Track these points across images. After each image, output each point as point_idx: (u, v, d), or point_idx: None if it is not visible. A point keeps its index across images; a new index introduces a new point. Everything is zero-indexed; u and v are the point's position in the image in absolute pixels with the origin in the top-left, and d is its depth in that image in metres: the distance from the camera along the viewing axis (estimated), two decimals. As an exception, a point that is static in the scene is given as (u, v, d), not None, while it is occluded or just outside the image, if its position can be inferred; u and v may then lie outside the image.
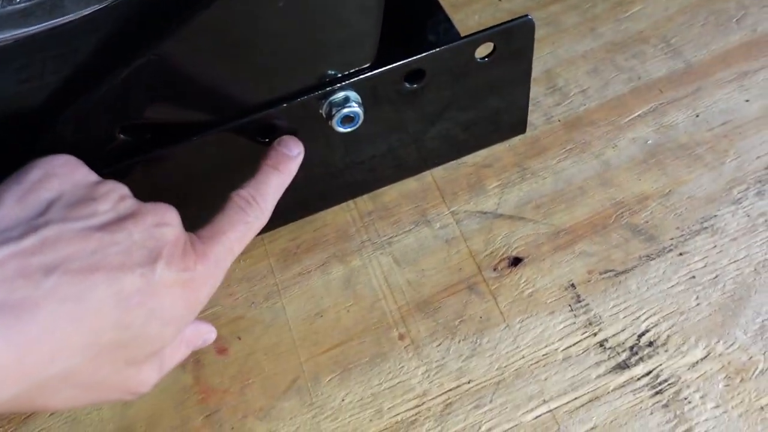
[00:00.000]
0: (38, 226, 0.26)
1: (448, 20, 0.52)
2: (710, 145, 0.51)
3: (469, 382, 0.43)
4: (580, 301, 0.45)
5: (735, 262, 0.46)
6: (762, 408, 0.40)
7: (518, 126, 0.53)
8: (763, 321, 0.43)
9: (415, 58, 0.42)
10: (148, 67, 0.37)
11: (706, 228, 0.47)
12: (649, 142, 0.52)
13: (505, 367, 0.44)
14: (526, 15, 0.43)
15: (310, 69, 0.41)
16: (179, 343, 0.34)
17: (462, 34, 0.50)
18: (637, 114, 0.53)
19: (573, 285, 0.46)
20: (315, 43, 0.39)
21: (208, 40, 0.37)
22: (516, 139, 0.54)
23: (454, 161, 0.53)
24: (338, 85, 0.41)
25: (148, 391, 0.32)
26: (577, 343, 0.44)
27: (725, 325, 0.43)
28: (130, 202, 0.30)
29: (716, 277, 0.45)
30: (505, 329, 0.45)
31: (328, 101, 0.42)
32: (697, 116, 0.53)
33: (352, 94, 0.42)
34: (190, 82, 0.39)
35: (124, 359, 0.28)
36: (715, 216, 0.48)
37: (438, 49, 0.42)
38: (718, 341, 0.43)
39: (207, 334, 0.37)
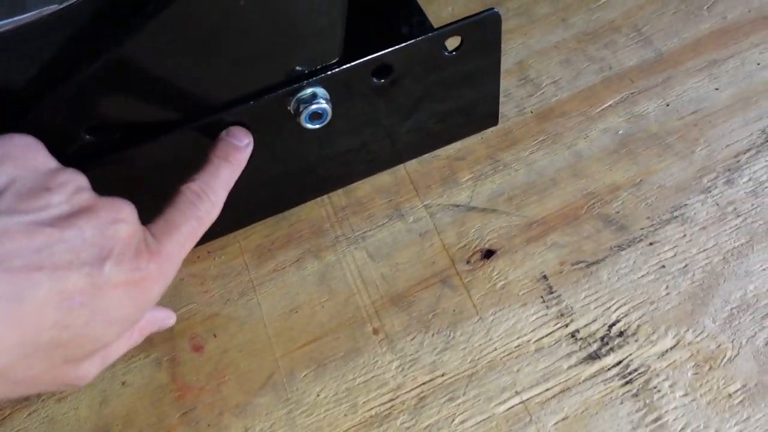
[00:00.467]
0: None
1: (421, 12, 0.52)
2: (680, 134, 0.51)
3: (442, 375, 0.44)
4: (552, 293, 0.46)
5: (704, 251, 0.46)
6: (730, 395, 0.41)
7: (490, 118, 0.53)
8: (731, 309, 0.44)
9: (381, 53, 0.42)
10: (111, 67, 0.37)
11: (676, 217, 0.48)
12: (620, 132, 0.52)
13: (478, 359, 0.44)
14: (493, 8, 0.43)
15: (275, 66, 0.41)
16: (129, 332, 0.33)
17: (436, 26, 0.50)
18: (608, 104, 0.54)
19: (545, 276, 0.46)
20: (279, 40, 0.39)
21: (170, 39, 0.37)
22: (489, 131, 0.54)
23: (428, 154, 0.53)
24: (305, 81, 0.41)
25: (87, 383, 0.31)
26: (549, 334, 0.44)
27: (694, 314, 0.44)
28: (86, 196, 0.29)
29: (686, 266, 0.46)
30: (478, 322, 0.45)
31: (295, 98, 0.42)
32: (668, 105, 0.53)
33: (320, 91, 0.42)
34: (154, 81, 0.38)
35: (61, 357, 0.27)
36: (685, 205, 0.48)
37: (404, 45, 0.42)
38: (688, 330, 0.43)
39: (163, 320, 0.36)
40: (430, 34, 0.42)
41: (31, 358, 0.26)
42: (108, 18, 0.37)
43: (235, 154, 0.37)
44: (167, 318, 0.36)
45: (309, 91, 0.41)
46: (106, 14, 0.36)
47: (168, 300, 0.48)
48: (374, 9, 0.53)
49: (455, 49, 0.45)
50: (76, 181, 0.29)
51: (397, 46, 0.42)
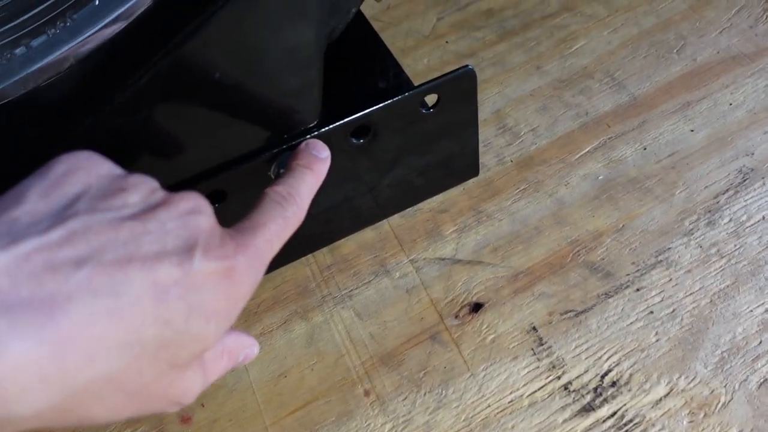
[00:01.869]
0: (66, 218, 0.25)
1: (397, 65, 0.53)
2: (659, 178, 0.52)
3: (436, 436, 0.43)
4: (542, 344, 0.45)
5: (691, 294, 0.46)
6: (727, 442, 0.40)
7: (471, 169, 0.53)
8: (722, 353, 0.44)
9: (358, 115, 0.42)
10: (95, 131, 0.36)
11: (661, 261, 0.48)
12: (600, 177, 0.53)
13: (471, 417, 0.43)
14: (467, 65, 0.44)
15: (254, 133, 0.41)
16: (221, 352, 0.31)
17: (412, 78, 0.50)
18: (586, 150, 0.54)
19: (534, 328, 0.46)
20: (256, 109, 0.39)
21: (148, 110, 0.37)
22: (470, 182, 0.54)
23: (411, 208, 0.53)
24: (284, 146, 0.41)
25: (191, 402, 0.29)
26: (541, 387, 0.44)
27: (686, 360, 0.44)
28: (161, 193, 0.28)
29: (674, 311, 0.46)
30: (470, 378, 0.45)
31: (276, 162, 0.42)
32: (645, 149, 0.54)
33: (300, 155, 0.42)
34: (133, 149, 0.38)
35: (167, 361, 0.26)
36: (669, 249, 0.48)
37: (381, 105, 0.42)
38: (680, 376, 0.43)
39: (250, 347, 0.34)
40: (406, 94, 0.43)
41: (138, 360, 0.25)
42: (90, 87, 0.37)
43: (316, 163, 0.37)
44: (252, 345, 0.34)
45: (288, 155, 0.41)
46: (88, 83, 0.36)
47: (153, 370, 0.47)
48: (351, 63, 0.53)
49: (433, 106, 0.45)
50: (147, 181, 0.29)
51: (374, 108, 0.42)
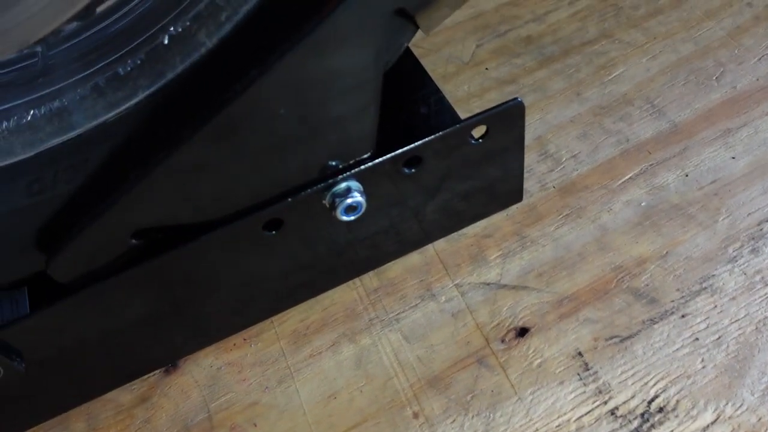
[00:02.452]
0: None
1: (438, 92, 0.54)
2: (702, 204, 0.53)
3: (485, 459, 0.44)
4: (588, 369, 0.46)
5: (736, 321, 0.47)
6: (775, 469, 0.41)
7: (515, 194, 0.54)
8: (768, 380, 0.44)
9: (411, 147, 0.43)
10: (162, 176, 0.38)
11: (705, 288, 0.48)
12: (643, 204, 0.53)
13: (520, 441, 0.44)
14: (516, 98, 0.45)
15: (312, 164, 0.42)
16: None
17: (452, 104, 0.51)
18: (628, 176, 0.55)
19: (580, 353, 0.47)
20: (315, 141, 0.40)
21: (216, 146, 0.38)
22: (513, 208, 0.55)
23: (455, 233, 0.54)
24: (340, 176, 0.43)
25: None
26: (588, 412, 0.45)
27: (732, 387, 0.44)
28: None
29: (719, 338, 0.46)
30: (517, 402, 0.46)
31: (330, 192, 0.43)
32: (687, 176, 0.54)
33: (354, 184, 0.43)
34: (200, 185, 0.40)
35: None
36: (713, 275, 0.49)
37: (433, 137, 0.44)
38: (727, 404, 0.44)
39: None
40: (458, 126, 0.44)
41: None
42: (156, 127, 0.39)
43: None
44: None
45: (344, 185, 0.43)
46: (154, 124, 0.38)
47: (207, 390, 0.49)
48: (393, 89, 0.54)
49: (481, 137, 0.46)
50: None
51: (426, 139, 0.44)
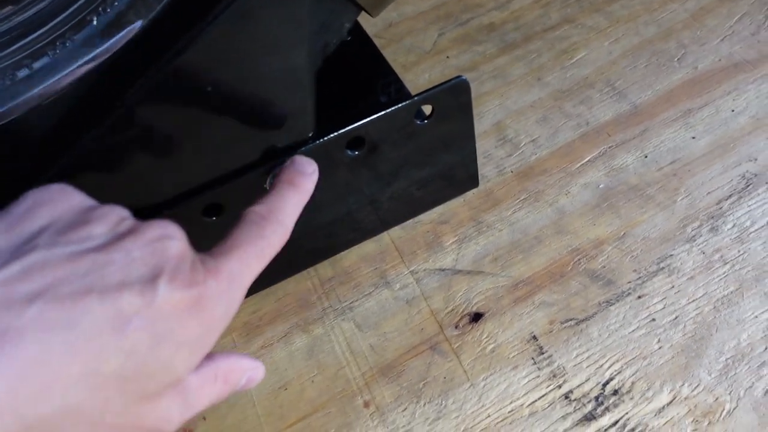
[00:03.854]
0: (24, 253, 0.25)
1: (399, 81, 0.53)
2: (661, 185, 0.51)
3: (436, 447, 0.43)
4: (542, 353, 0.45)
5: (694, 301, 0.46)
6: (732, 450, 0.40)
7: (471, 180, 0.53)
8: (726, 360, 0.43)
9: (351, 127, 0.43)
10: (83, 158, 0.37)
11: (663, 268, 0.47)
12: (601, 186, 0.52)
13: (471, 427, 0.43)
14: (460, 76, 0.44)
15: (249, 146, 0.41)
16: (213, 376, 0.30)
17: (414, 93, 0.51)
18: (587, 159, 0.54)
19: (535, 337, 0.46)
20: (250, 121, 0.39)
21: (144, 125, 0.38)
22: (471, 193, 0.54)
23: (411, 220, 0.53)
24: (279, 159, 0.42)
25: (173, 430, 0.28)
26: (542, 396, 0.43)
27: (689, 367, 0.43)
28: (129, 222, 0.27)
29: (676, 318, 0.45)
30: (470, 388, 0.44)
31: (271, 175, 0.42)
32: (646, 157, 0.53)
33: (295, 166, 0.42)
34: (129, 166, 0.39)
35: (135, 392, 0.25)
36: (671, 255, 0.48)
37: (372, 118, 0.43)
38: (683, 384, 0.42)
39: (252, 370, 0.32)
40: (398, 106, 0.43)
41: (103, 391, 0.24)
42: (82, 109, 0.38)
43: (300, 179, 0.35)
44: (256, 368, 0.32)
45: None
46: (80, 107, 0.37)
47: (156, 384, 0.48)
48: (354, 79, 0.54)
49: (427, 117, 0.45)
50: (116, 211, 0.28)
51: (367, 119, 0.43)
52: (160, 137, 0.38)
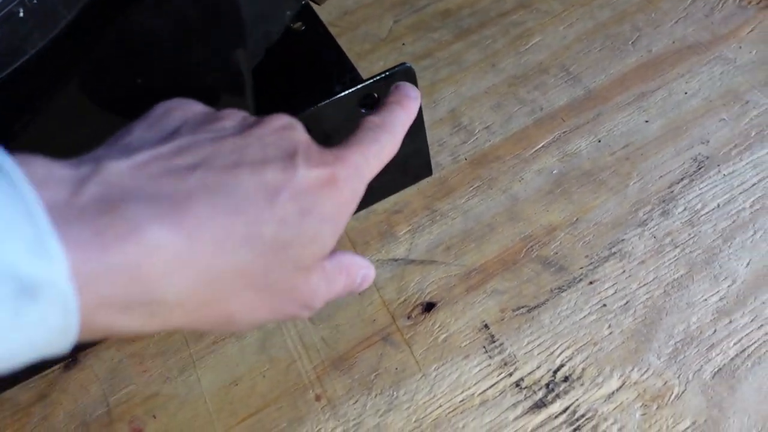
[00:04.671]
0: (172, 139, 0.27)
1: (353, 70, 0.52)
2: (613, 169, 0.51)
3: (387, 439, 0.42)
4: (494, 342, 0.45)
5: (644, 285, 0.45)
6: (680, 434, 0.39)
7: (424, 169, 0.53)
8: (675, 343, 0.43)
9: (299, 116, 0.42)
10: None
11: (615, 253, 0.47)
12: (555, 171, 0.52)
13: (422, 418, 0.43)
14: (404, 63, 0.43)
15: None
16: (339, 267, 0.32)
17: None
18: (541, 145, 0.54)
19: (486, 325, 0.45)
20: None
21: (72, 111, 0.37)
22: (425, 182, 0.53)
23: (364, 210, 0.53)
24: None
25: (318, 308, 0.31)
26: (493, 385, 0.43)
27: (639, 352, 0.43)
28: (253, 117, 0.30)
29: (627, 303, 0.45)
30: (422, 378, 0.44)
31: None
32: (599, 141, 0.53)
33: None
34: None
35: (291, 261, 0.27)
36: (623, 240, 0.48)
37: (311, 109, 0.42)
38: (633, 369, 0.42)
39: (366, 268, 0.34)
40: (339, 96, 0.42)
41: (264, 257, 0.26)
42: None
43: (406, 101, 0.37)
44: (369, 266, 0.35)
45: None
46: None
47: (107, 384, 0.47)
48: (308, 69, 0.53)
49: (372, 106, 0.45)
50: (239, 111, 0.30)
51: (307, 110, 0.42)
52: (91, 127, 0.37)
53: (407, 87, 0.39)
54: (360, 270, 0.34)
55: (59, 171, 0.23)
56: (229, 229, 0.25)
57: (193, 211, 0.24)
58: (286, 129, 0.29)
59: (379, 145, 0.33)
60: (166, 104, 0.30)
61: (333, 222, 0.29)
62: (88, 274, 0.22)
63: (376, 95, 0.44)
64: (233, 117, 0.30)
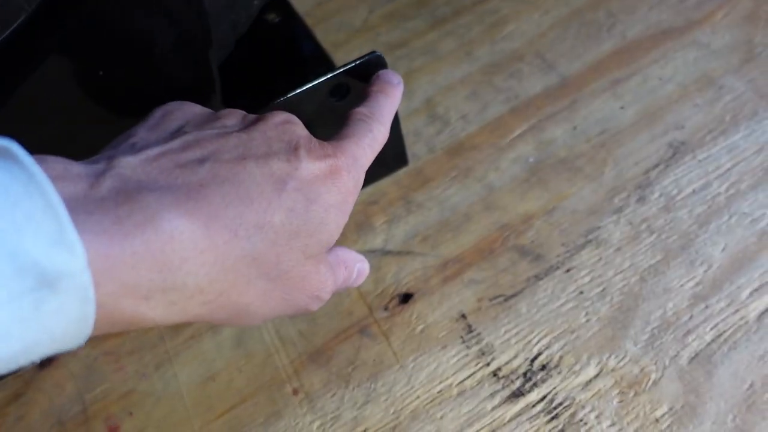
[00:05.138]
0: (177, 136, 0.27)
1: (328, 60, 0.52)
2: (589, 157, 0.51)
3: (365, 431, 0.42)
4: (471, 332, 0.45)
5: (621, 272, 0.45)
6: (657, 420, 0.40)
7: (400, 159, 0.52)
8: (652, 330, 0.43)
9: (270, 106, 0.41)
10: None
11: (591, 241, 0.47)
12: (531, 160, 0.52)
13: (400, 410, 0.42)
14: (374, 51, 0.43)
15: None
16: (338, 259, 0.34)
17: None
18: (517, 133, 0.53)
19: (464, 315, 0.45)
20: (147, 109, 0.38)
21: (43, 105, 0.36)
22: (401, 173, 0.53)
23: (341, 202, 0.52)
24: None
25: (327, 299, 0.32)
26: (470, 375, 0.43)
27: (615, 339, 0.43)
28: (253, 116, 0.31)
29: (603, 290, 0.45)
30: (399, 370, 0.44)
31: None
32: (575, 128, 0.53)
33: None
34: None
35: (300, 249, 0.28)
36: (599, 227, 0.47)
37: (281, 99, 0.41)
38: (610, 356, 0.42)
39: (360, 262, 0.36)
40: (307, 86, 0.42)
41: (275, 245, 0.27)
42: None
43: (389, 88, 0.38)
44: (362, 260, 0.37)
45: None
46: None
47: (82, 382, 0.46)
48: (283, 60, 0.52)
49: (343, 95, 0.44)
50: (240, 112, 0.32)
51: (277, 101, 0.41)
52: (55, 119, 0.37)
53: (389, 74, 0.40)
54: (356, 263, 0.36)
55: (75, 168, 0.24)
56: (241, 217, 0.26)
57: (207, 199, 0.25)
58: (286, 124, 0.30)
59: (372, 134, 0.34)
60: (164, 107, 0.31)
61: (337, 211, 0.30)
62: (110, 262, 0.22)
63: (347, 85, 0.44)
64: (234, 115, 0.31)
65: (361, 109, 0.35)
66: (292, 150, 0.29)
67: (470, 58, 0.59)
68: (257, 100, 0.43)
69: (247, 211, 0.26)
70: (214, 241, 0.25)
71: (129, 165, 0.25)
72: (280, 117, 0.31)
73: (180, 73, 0.38)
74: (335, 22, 0.64)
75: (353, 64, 0.43)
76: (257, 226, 0.26)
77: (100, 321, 0.23)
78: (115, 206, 0.23)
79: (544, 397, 0.41)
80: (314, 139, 0.31)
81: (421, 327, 0.45)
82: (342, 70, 0.42)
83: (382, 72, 0.40)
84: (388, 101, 0.37)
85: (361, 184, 0.32)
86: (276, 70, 0.52)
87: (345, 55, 0.61)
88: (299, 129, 0.31)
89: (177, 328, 0.48)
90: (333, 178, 0.30)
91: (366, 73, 0.44)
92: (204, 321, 0.28)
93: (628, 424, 0.40)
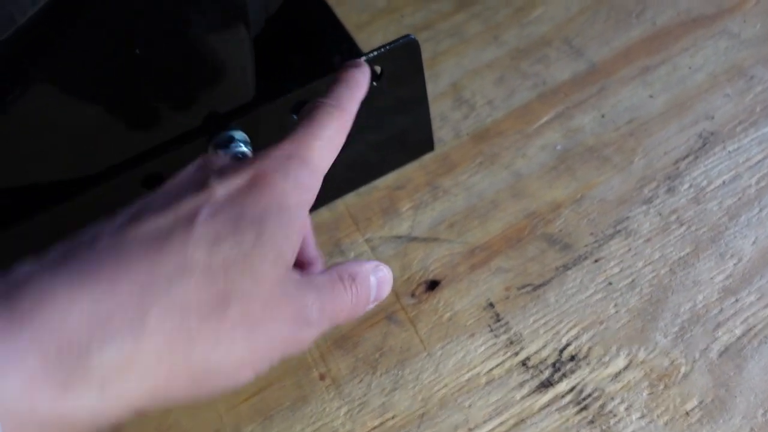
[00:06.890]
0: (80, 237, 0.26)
1: (351, 41, 0.51)
2: (617, 145, 0.51)
3: (393, 418, 0.42)
4: (499, 320, 0.44)
5: (650, 263, 0.45)
6: (687, 413, 0.39)
7: (426, 144, 0.52)
8: (681, 322, 0.43)
9: (293, 93, 0.40)
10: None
11: (620, 231, 0.47)
12: (558, 147, 0.51)
13: (428, 397, 0.42)
14: (408, 35, 0.42)
15: (187, 112, 0.39)
16: (336, 277, 0.30)
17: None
18: (544, 120, 0.53)
19: (491, 304, 0.45)
20: (185, 86, 0.37)
21: (69, 87, 0.35)
22: (427, 157, 0.52)
23: (366, 186, 0.52)
24: (220, 125, 0.40)
25: (320, 318, 0.28)
26: (499, 364, 0.43)
27: (645, 330, 0.43)
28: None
29: (633, 281, 0.45)
30: (427, 357, 0.44)
31: (212, 143, 0.40)
32: (603, 116, 0.52)
33: (237, 133, 0.40)
34: (56, 133, 0.36)
35: (249, 274, 0.26)
36: (628, 218, 0.47)
37: (314, 82, 0.41)
38: (639, 348, 0.42)
39: (375, 267, 0.32)
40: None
41: (213, 280, 0.25)
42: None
43: (354, 72, 0.35)
44: (377, 265, 0.33)
45: (225, 134, 0.40)
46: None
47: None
48: (305, 40, 0.52)
49: (376, 79, 0.44)
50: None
51: (309, 84, 0.41)
52: (89, 97, 0.36)
53: (353, 62, 0.37)
54: (368, 273, 0.32)
55: None
56: (151, 271, 0.24)
57: (105, 270, 0.24)
58: (197, 172, 0.28)
59: (337, 121, 0.32)
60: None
61: (276, 218, 0.27)
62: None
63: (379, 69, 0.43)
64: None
65: (325, 99, 0.33)
66: (200, 183, 0.27)
67: (497, 42, 0.58)
68: (284, 81, 0.42)
69: (157, 262, 0.24)
70: (125, 307, 0.23)
71: (20, 266, 0.24)
72: (188, 167, 0.29)
73: (215, 52, 0.37)
74: (358, 3, 0.63)
75: (387, 48, 0.42)
76: (177, 269, 0.24)
77: None
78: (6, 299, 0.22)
79: (573, 388, 0.41)
80: (230, 162, 0.29)
81: (448, 314, 0.45)
82: (372, 54, 0.42)
83: (348, 62, 0.37)
84: (354, 88, 0.35)
85: (309, 180, 0.29)
86: (298, 50, 0.51)
87: (368, 37, 0.60)
88: (210, 164, 0.29)
89: (200, 311, 0.48)
90: (259, 185, 0.27)
91: (399, 57, 0.43)
92: (161, 404, 0.26)
93: (658, 416, 0.40)
